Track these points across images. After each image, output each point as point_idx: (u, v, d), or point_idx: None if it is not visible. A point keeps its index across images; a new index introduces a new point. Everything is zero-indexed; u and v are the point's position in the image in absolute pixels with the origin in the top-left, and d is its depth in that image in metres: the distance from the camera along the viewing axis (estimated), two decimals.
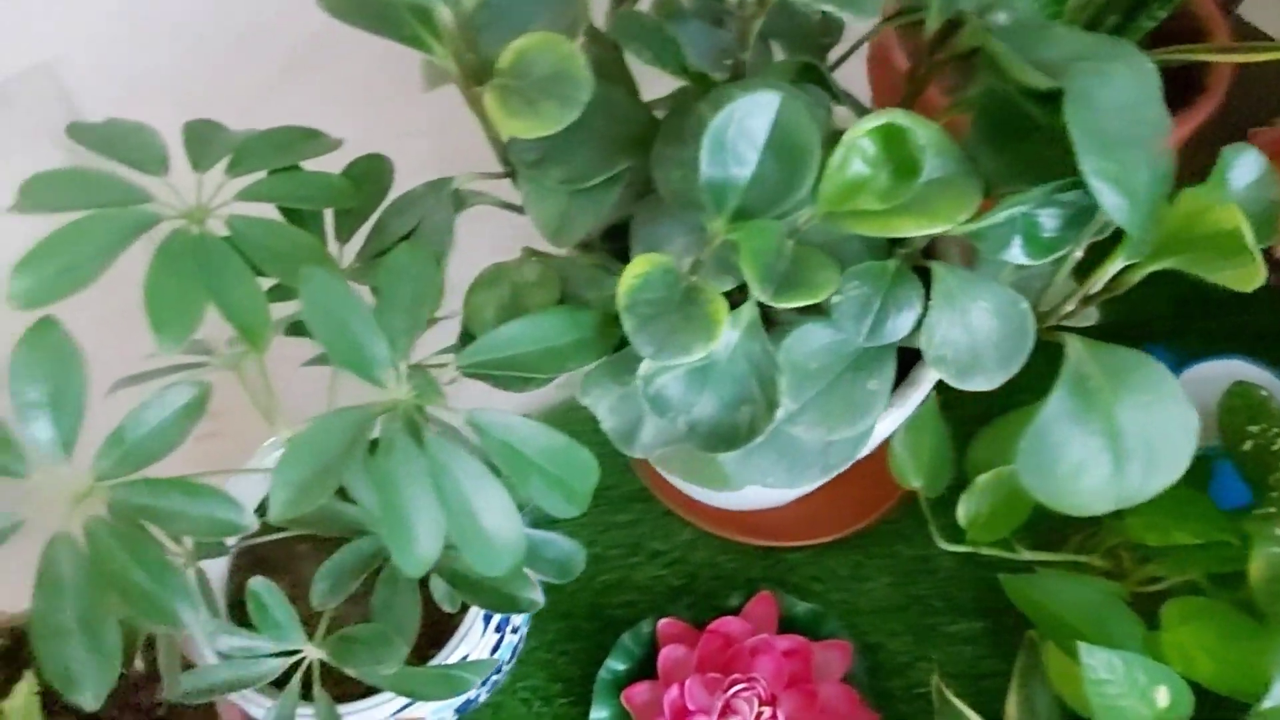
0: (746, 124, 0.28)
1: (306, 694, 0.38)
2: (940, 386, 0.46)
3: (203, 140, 0.37)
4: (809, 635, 0.56)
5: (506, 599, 0.39)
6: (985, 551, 0.48)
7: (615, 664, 0.56)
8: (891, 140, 0.28)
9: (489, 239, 0.44)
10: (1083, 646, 0.36)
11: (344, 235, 0.38)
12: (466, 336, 0.36)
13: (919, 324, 0.33)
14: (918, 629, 0.59)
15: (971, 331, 0.32)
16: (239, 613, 0.47)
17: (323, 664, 0.39)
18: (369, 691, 0.42)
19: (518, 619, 0.49)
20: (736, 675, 0.52)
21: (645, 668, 0.56)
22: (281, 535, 0.46)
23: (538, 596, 0.39)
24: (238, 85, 0.78)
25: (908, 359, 0.44)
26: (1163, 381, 0.32)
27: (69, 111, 0.86)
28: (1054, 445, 0.32)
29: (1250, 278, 0.28)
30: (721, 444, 0.33)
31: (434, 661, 0.43)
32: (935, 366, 0.32)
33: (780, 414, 0.32)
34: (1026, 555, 0.47)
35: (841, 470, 0.39)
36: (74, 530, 0.31)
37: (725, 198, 0.30)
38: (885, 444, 0.52)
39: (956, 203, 0.29)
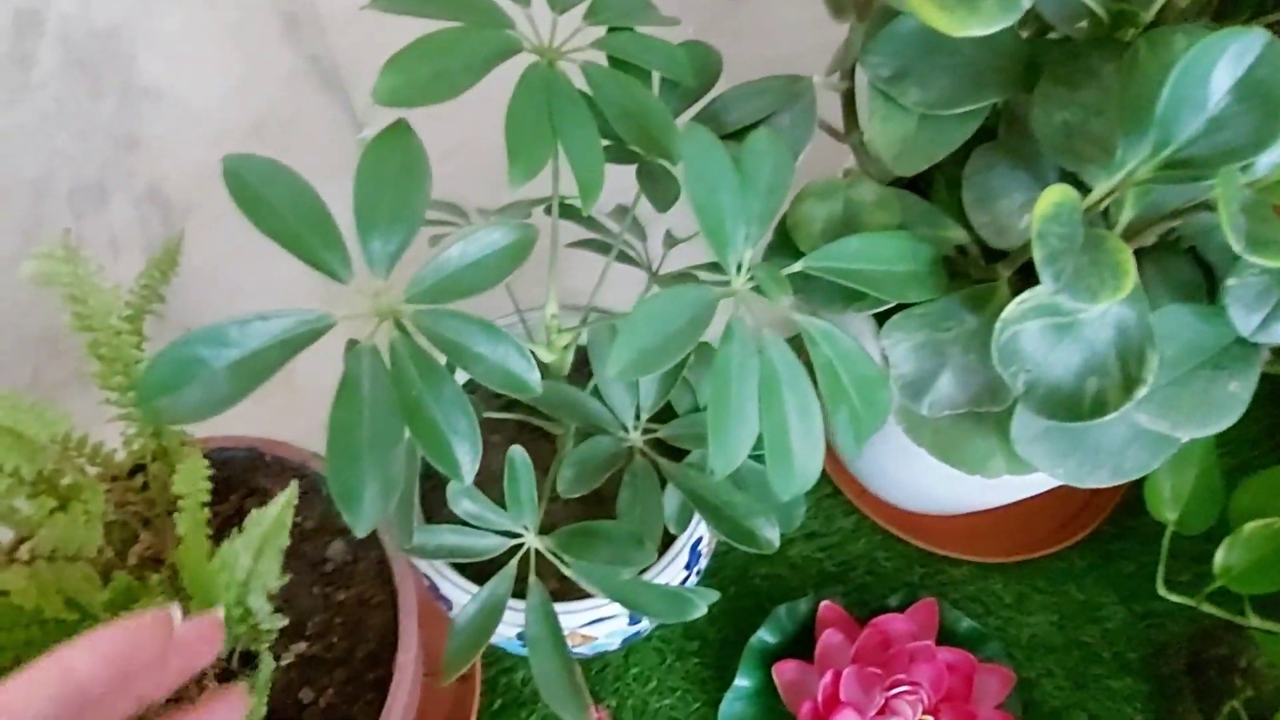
0: (1221, 66, 0.25)
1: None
2: None
3: None
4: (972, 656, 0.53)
5: (746, 532, 0.36)
6: (1207, 609, 0.45)
7: (767, 635, 0.53)
8: None
9: None
10: None
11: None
12: (785, 245, 0.34)
13: None
14: (1078, 676, 0.56)
15: None
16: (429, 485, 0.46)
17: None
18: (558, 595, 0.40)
19: (704, 562, 0.47)
20: (900, 676, 0.49)
21: (796, 645, 0.53)
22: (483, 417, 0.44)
23: (774, 537, 0.37)
24: None
25: None
26: None
27: None
28: None
29: None
30: (1061, 412, 0.30)
31: None
32: None
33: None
34: (1256, 622, 0.44)
35: (1130, 479, 0.36)
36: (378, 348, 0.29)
37: (1166, 143, 0.27)
38: None
39: None
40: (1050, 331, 0.30)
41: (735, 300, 0.29)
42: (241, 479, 0.46)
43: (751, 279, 0.30)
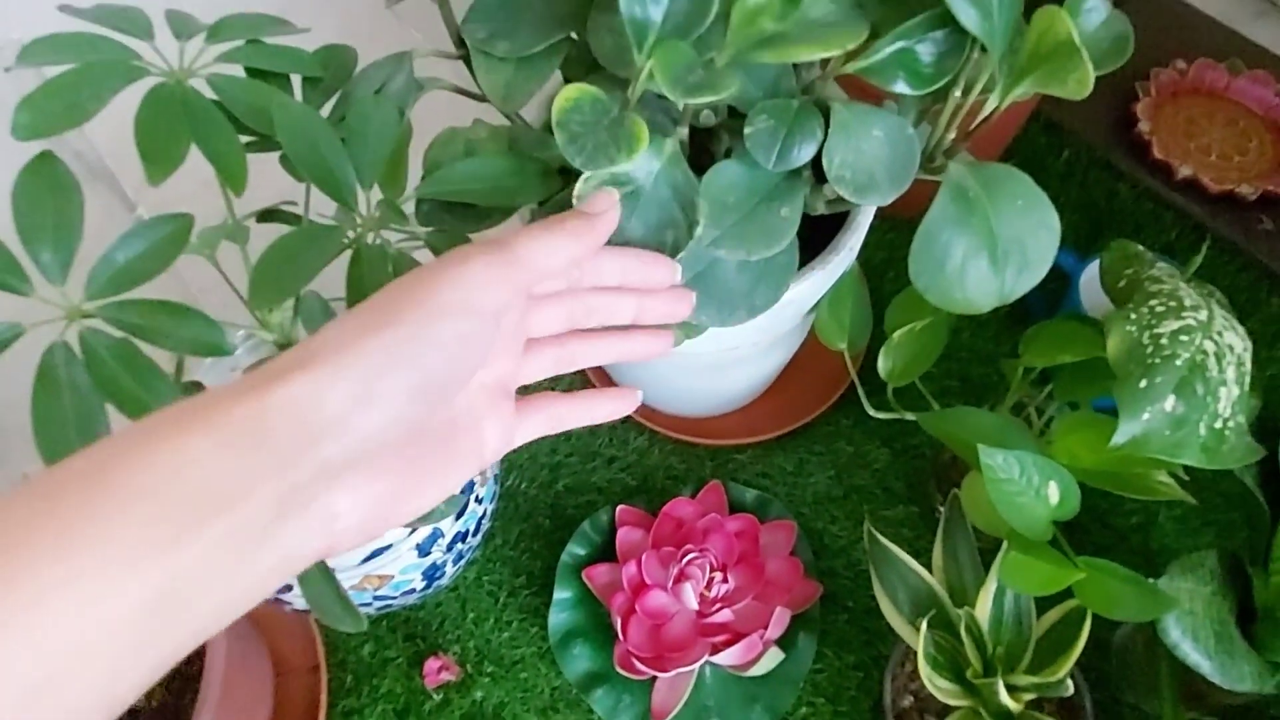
0: None
1: None
2: (864, 264, 0.51)
3: (182, 20, 0.41)
4: (757, 519, 0.60)
5: None
6: (910, 417, 0.53)
7: (576, 549, 0.60)
8: None
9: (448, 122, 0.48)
10: (982, 448, 0.41)
11: (313, 105, 0.42)
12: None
13: (820, 151, 0.38)
14: (857, 515, 0.64)
15: (865, 155, 0.37)
16: None
17: None
18: None
19: (482, 489, 0.52)
20: (689, 547, 0.56)
21: (604, 552, 0.60)
22: None
23: None
24: None
25: (830, 229, 0.49)
26: (1030, 190, 0.37)
27: None
28: (940, 247, 0.37)
29: (1082, 85, 0.33)
30: None
31: None
32: (836, 185, 0.37)
33: (705, 239, 0.37)
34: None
35: (765, 311, 0.43)
36: (70, 342, 0.34)
37: (645, 35, 0.34)
38: (814, 349, 0.56)
39: (845, 35, 0.34)
40: (624, 202, 0.37)
41: (364, 230, 0.36)
42: None
43: (379, 211, 0.36)
